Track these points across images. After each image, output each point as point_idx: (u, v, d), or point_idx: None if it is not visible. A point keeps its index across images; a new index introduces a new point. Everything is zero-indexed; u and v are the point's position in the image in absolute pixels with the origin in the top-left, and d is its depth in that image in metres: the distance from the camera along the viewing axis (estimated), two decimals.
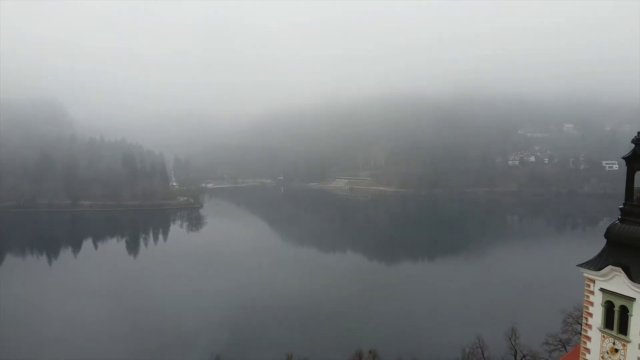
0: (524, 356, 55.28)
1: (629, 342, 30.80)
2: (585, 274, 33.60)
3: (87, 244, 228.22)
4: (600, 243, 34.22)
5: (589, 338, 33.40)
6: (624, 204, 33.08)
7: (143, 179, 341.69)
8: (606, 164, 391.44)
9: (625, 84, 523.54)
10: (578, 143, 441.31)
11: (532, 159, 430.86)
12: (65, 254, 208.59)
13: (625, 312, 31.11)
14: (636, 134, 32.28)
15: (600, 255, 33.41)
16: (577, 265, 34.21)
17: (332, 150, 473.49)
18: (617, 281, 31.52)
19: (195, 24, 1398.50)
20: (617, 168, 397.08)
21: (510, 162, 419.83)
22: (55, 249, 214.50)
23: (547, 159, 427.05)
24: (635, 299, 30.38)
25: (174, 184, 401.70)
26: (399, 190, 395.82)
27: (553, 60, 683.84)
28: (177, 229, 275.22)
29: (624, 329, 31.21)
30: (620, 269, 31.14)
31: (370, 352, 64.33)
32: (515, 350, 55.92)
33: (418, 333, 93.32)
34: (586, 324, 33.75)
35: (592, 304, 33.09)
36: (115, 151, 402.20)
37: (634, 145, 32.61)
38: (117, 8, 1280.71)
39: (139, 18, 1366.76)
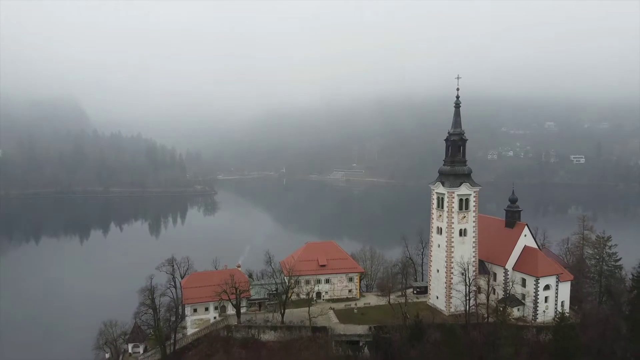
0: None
1: (443, 211, 78.50)
2: (431, 187, 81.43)
3: (134, 222, 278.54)
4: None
5: (432, 214, 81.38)
6: (444, 159, 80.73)
7: (164, 169, 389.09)
8: (574, 157, 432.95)
9: (605, 84, 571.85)
10: (556, 139, 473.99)
11: (511, 153, 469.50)
12: (99, 234, 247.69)
13: (442, 200, 78.83)
14: (450, 130, 79.78)
15: (436, 179, 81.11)
16: (428, 184, 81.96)
17: (331, 145, 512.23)
18: (440, 188, 79.26)
19: (202, 25, 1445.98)
20: (583, 161, 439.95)
21: (489, 157, 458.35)
22: (87, 230, 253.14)
23: (523, 154, 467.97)
24: (445, 193, 78.07)
25: (187, 175, 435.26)
26: (390, 182, 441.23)
27: (539, 60, 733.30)
28: (194, 213, 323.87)
29: (442, 206, 78.98)
30: (440, 183, 79.01)
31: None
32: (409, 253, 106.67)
33: None
34: (432, 208, 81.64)
35: (432, 198, 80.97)
36: (133, 145, 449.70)
37: (460, 135, 79.77)
38: (129, 10, 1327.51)
39: (146, 21, 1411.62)
